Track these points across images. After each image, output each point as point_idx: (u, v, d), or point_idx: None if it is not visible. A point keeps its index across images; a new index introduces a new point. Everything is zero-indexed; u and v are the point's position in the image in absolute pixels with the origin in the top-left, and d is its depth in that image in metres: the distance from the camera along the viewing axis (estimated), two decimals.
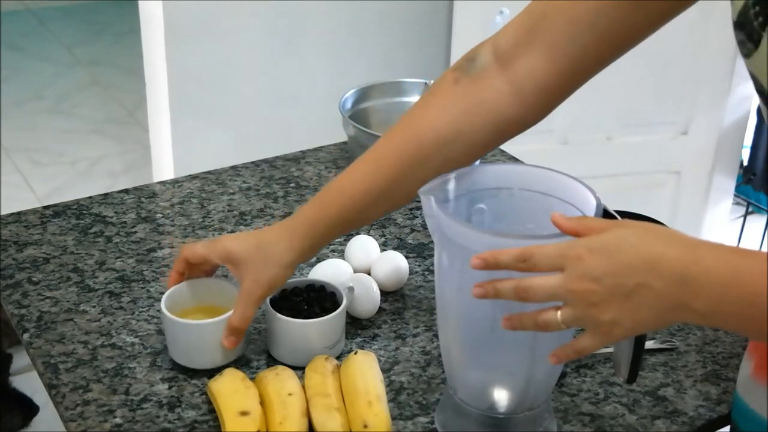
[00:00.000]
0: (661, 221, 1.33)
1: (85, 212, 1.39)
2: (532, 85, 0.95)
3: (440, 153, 0.99)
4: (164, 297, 1.07)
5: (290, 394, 0.99)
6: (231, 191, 1.46)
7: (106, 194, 1.44)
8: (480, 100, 0.98)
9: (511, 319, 0.84)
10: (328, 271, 1.19)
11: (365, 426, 0.95)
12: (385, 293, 1.21)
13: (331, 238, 1.07)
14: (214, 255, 1.07)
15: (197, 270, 1.11)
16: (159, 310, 1.17)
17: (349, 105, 1.52)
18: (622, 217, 0.90)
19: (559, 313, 0.80)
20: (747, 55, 0.82)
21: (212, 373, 1.06)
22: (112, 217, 1.38)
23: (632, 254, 0.77)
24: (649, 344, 1.13)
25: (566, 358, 0.85)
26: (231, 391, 1.00)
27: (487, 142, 1.00)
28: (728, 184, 2.74)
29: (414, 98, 1.57)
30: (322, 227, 1.05)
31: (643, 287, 0.76)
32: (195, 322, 1.06)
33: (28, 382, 2.25)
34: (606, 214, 0.90)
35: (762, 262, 0.74)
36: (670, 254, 0.76)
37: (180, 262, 1.09)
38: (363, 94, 1.55)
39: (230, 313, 1.05)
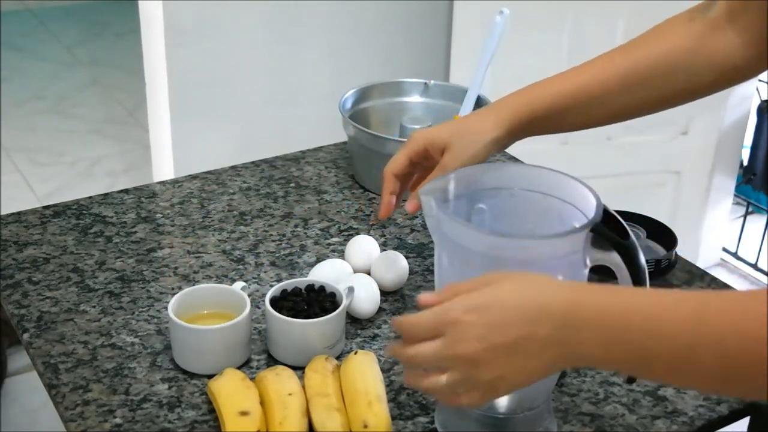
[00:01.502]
0: (661, 221, 1.33)
1: (85, 212, 1.39)
2: (758, 36, 1.00)
3: (664, 80, 1.03)
4: (171, 302, 1.08)
5: (290, 394, 0.99)
6: (231, 191, 1.46)
7: (106, 194, 1.44)
8: (712, 41, 1.02)
9: (406, 377, 0.83)
10: (328, 271, 1.19)
11: (365, 426, 0.95)
12: (385, 293, 1.21)
13: (530, 131, 1.07)
14: (413, 148, 1.07)
15: (406, 183, 1.12)
16: (160, 311, 1.17)
17: (349, 105, 1.52)
18: (622, 216, 0.90)
19: (445, 377, 0.78)
20: None
21: (210, 375, 1.06)
22: (112, 217, 1.38)
23: (510, 308, 0.75)
24: None
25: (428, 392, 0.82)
26: (231, 391, 1.00)
27: (710, 83, 1.05)
28: (728, 184, 2.74)
29: (414, 98, 1.57)
30: (527, 112, 1.05)
31: (526, 339, 0.74)
32: (202, 328, 1.06)
33: (28, 382, 2.25)
34: (606, 214, 0.90)
35: (649, 296, 0.73)
36: (551, 301, 0.74)
37: (388, 182, 1.10)
38: (363, 94, 1.55)
39: (237, 320, 1.05)
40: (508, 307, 0.75)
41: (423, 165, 1.11)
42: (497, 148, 1.07)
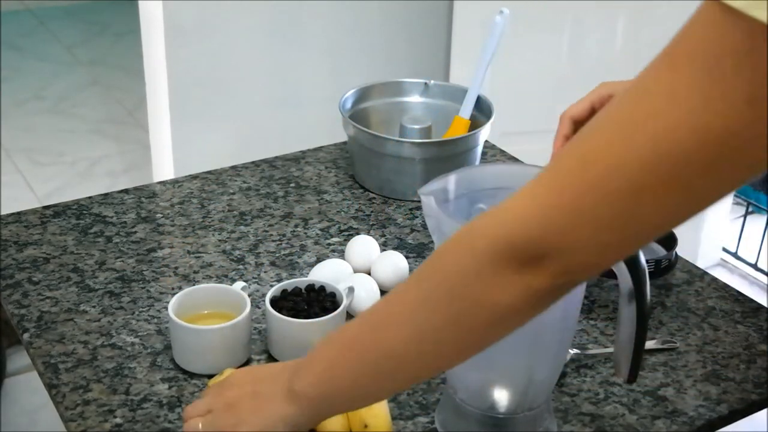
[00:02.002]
0: None
1: (85, 212, 1.39)
2: None
3: None
4: (171, 302, 1.07)
5: None
6: (231, 191, 1.46)
7: (106, 194, 1.44)
8: None
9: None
10: (328, 271, 1.19)
11: (365, 426, 0.95)
12: (385, 293, 1.20)
13: None
14: (599, 95, 1.05)
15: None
16: (160, 311, 1.17)
17: (349, 105, 1.52)
18: None
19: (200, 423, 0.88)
20: None
21: (210, 375, 1.06)
22: (112, 217, 1.38)
23: (237, 378, 0.89)
24: (649, 344, 1.13)
25: None
26: None
27: None
28: None
29: (414, 98, 1.58)
30: None
31: (252, 394, 0.86)
32: (202, 328, 1.06)
33: (28, 382, 2.25)
34: None
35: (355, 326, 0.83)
36: (271, 367, 0.90)
37: (564, 125, 1.07)
38: (363, 94, 1.55)
39: (237, 320, 1.05)
40: (235, 379, 0.90)
41: None
42: None
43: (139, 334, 1.13)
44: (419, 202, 0.92)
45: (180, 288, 1.20)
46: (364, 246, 1.26)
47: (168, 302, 1.09)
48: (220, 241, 1.33)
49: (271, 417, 0.84)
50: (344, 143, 1.59)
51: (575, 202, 0.64)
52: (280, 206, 1.43)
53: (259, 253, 1.30)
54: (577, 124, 1.07)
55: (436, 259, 0.75)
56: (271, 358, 1.10)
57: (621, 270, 0.88)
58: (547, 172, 0.67)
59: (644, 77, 0.62)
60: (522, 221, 0.67)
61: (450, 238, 0.74)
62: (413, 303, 0.76)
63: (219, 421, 0.86)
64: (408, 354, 0.77)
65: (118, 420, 1.00)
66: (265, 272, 1.26)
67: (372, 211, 1.42)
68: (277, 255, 1.30)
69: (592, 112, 1.06)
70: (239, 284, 1.14)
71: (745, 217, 2.91)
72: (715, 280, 1.29)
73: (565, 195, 0.65)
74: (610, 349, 1.10)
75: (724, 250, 2.90)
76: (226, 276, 1.25)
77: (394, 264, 1.22)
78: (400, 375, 0.80)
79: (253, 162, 1.55)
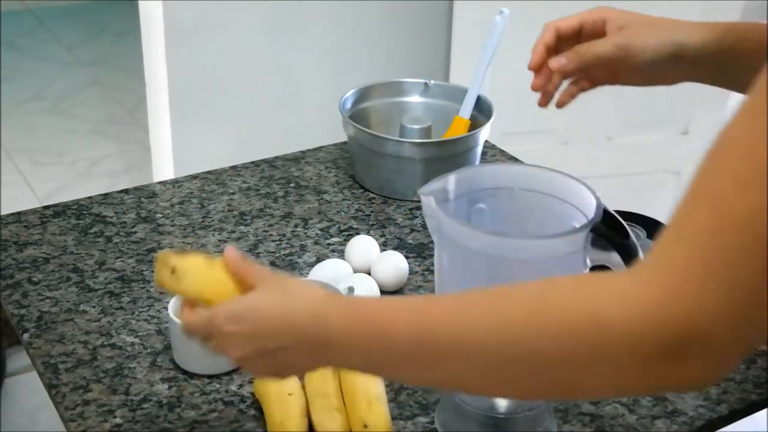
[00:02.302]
0: (661, 221, 1.33)
1: (85, 212, 1.39)
2: None
3: None
4: (171, 302, 1.07)
5: (290, 394, 0.99)
6: (231, 191, 1.46)
7: (106, 194, 1.44)
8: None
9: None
10: (328, 271, 1.19)
11: (365, 426, 0.95)
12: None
13: (720, 54, 0.99)
14: (590, 16, 1.02)
15: (559, 49, 1.04)
16: (160, 311, 1.17)
17: (349, 105, 1.52)
18: (622, 216, 0.90)
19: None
20: None
21: (210, 375, 1.06)
22: (112, 217, 1.38)
23: (262, 320, 0.78)
24: None
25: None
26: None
27: None
28: None
29: (414, 98, 1.57)
30: (725, 28, 0.98)
31: (279, 349, 0.78)
32: None
33: (28, 382, 2.25)
34: (606, 214, 0.90)
35: (382, 304, 0.75)
36: (296, 316, 0.77)
37: (547, 33, 1.03)
38: (363, 94, 1.55)
39: None
40: (261, 319, 0.78)
41: (590, 37, 1.04)
42: (678, 54, 0.97)
43: (139, 334, 1.13)
44: (419, 202, 0.92)
45: None
46: (364, 246, 1.26)
47: (168, 302, 1.09)
48: (220, 241, 1.33)
49: (302, 371, 0.83)
50: (344, 143, 1.59)
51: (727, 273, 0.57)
52: (280, 206, 1.43)
53: (259, 253, 1.30)
54: (561, 38, 1.04)
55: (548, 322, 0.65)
56: None
57: (621, 270, 0.87)
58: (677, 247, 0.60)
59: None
60: (661, 309, 0.59)
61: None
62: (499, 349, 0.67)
63: (223, 351, 0.81)
64: (464, 378, 0.71)
65: (118, 420, 1.00)
66: None
67: (372, 211, 1.42)
68: (277, 255, 1.30)
69: (579, 31, 1.02)
70: None
71: None
72: None
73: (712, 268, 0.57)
74: None
75: None
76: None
77: (394, 264, 1.22)
78: (423, 375, 0.74)
79: (253, 162, 1.55)
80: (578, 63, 0.99)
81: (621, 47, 0.92)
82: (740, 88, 0.99)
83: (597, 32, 1.03)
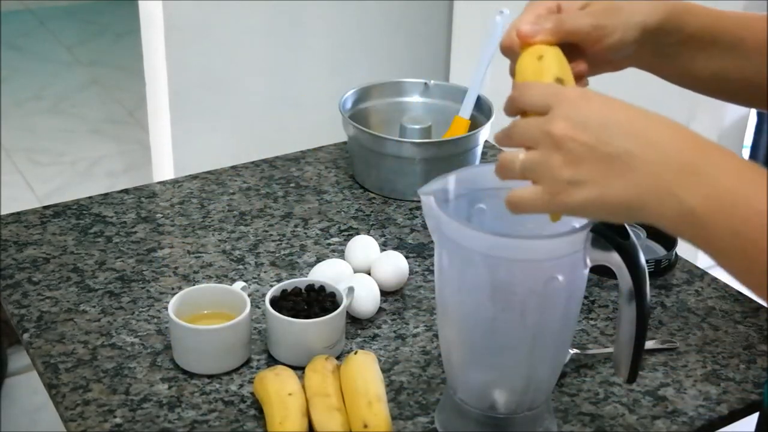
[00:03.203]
0: None
1: (85, 212, 1.39)
2: None
3: None
4: (171, 302, 1.08)
5: (290, 394, 0.99)
6: (231, 191, 1.46)
7: (106, 194, 1.44)
8: None
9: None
10: (328, 271, 1.19)
11: (365, 426, 0.95)
12: (385, 293, 1.21)
13: (678, 29, 0.90)
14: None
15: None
16: (160, 311, 1.17)
17: (349, 105, 1.52)
18: None
19: (522, 154, 0.72)
20: None
21: (210, 375, 1.06)
22: (112, 217, 1.38)
23: (634, 124, 0.68)
24: (649, 344, 1.13)
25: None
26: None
27: None
28: None
29: (414, 98, 1.57)
30: (684, 7, 0.90)
31: (632, 156, 0.67)
32: (202, 328, 1.06)
33: (28, 382, 2.25)
34: None
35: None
36: (674, 137, 0.67)
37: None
38: (363, 94, 1.55)
39: (237, 320, 1.05)
40: (633, 121, 0.68)
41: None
42: (641, 37, 0.89)
43: (139, 334, 1.13)
44: (419, 202, 0.92)
45: (180, 288, 1.20)
46: (364, 246, 1.26)
47: (168, 302, 1.09)
48: (220, 241, 1.33)
49: (614, 197, 0.68)
50: (344, 143, 1.59)
51: None
52: (280, 206, 1.43)
53: (259, 253, 1.30)
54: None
55: None
56: (271, 358, 1.10)
57: (621, 270, 0.88)
58: None
59: None
60: None
61: None
62: None
63: (548, 164, 0.70)
64: None
65: (118, 420, 1.00)
66: (265, 272, 1.26)
67: (372, 211, 1.42)
68: (277, 255, 1.30)
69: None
70: (239, 284, 1.14)
71: None
72: (715, 280, 1.29)
73: None
74: (610, 349, 1.10)
75: None
76: (226, 276, 1.25)
77: (394, 264, 1.22)
78: None
79: (253, 162, 1.55)
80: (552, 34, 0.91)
81: (596, 27, 0.88)
82: (676, 76, 0.97)
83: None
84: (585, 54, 0.87)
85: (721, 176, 0.66)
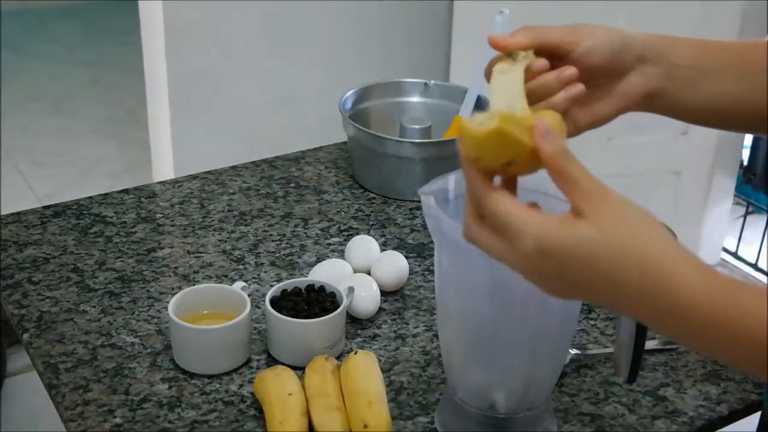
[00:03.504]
0: (661, 221, 1.33)
1: (85, 212, 1.39)
2: None
3: None
4: (171, 302, 1.08)
5: (290, 394, 0.99)
6: (231, 191, 1.46)
7: (106, 194, 1.44)
8: None
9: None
10: (328, 271, 1.19)
11: (365, 426, 0.95)
12: (385, 293, 1.21)
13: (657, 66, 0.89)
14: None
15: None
16: (160, 311, 1.17)
17: (349, 105, 1.52)
18: None
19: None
20: None
21: (210, 375, 1.06)
22: (112, 217, 1.38)
23: (585, 263, 0.68)
24: (649, 344, 1.13)
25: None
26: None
27: None
28: (728, 184, 2.74)
29: (414, 98, 1.58)
30: (664, 44, 0.90)
31: (589, 290, 0.70)
32: (202, 328, 1.06)
33: (28, 382, 2.25)
34: None
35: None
36: (645, 285, 0.68)
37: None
38: (363, 94, 1.55)
39: (237, 320, 1.05)
40: (592, 268, 0.68)
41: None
42: (622, 48, 0.90)
43: (139, 334, 1.13)
44: (419, 202, 0.92)
45: (180, 288, 1.20)
46: (364, 246, 1.26)
47: (168, 302, 1.09)
48: (220, 241, 1.33)
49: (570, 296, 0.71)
50: (344, 143, 1.59)
51: None
52: (280, 206, 1.43)
53: (259, 253, 1.30)
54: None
55: None
56: (271, 358, 1.10)
57: None
58: None
59: None
60: None
61: None
62: None
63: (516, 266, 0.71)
64: None
65: (118, 420, 1.00)
66: (265, 272, 1.26)
67: (372, 211, 1.42)
68: (277, 255, 1.30)
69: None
70: (239, 284, 1.14)
71: (745, 217, 2.91)
72: None
73: None
74: (610, 349, 1.09)
75: (724, 250, 2.90)
76: (226, 276, 1.25)
77: (394, 264, 1.22)
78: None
79: (253, 162, 1.55)
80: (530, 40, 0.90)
81: (571, 31, 0.89)
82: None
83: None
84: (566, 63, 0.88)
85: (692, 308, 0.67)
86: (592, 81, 0.88)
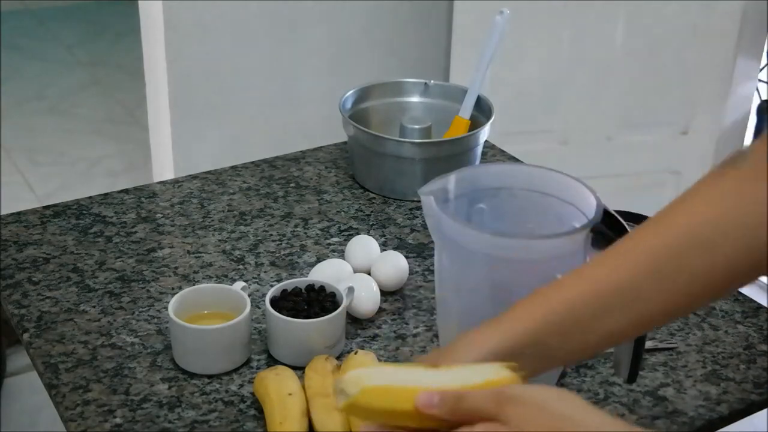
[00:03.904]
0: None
1: (85, 212, 1.39)
2: None
3: (698, 259, 0.77)
4: (171, 302, 1.07)
5: (290, 394, 0.99)
6: (231, 191, 1.46)
7: (106, 194, 1.44)
8: (754, 197, 0.76)
9: None
10: (328, 271, 1.19)
11: None
12: (385, 293, 1.21)
13: (540, 347, 0.80)
14: None
15: None
16: (160, 311, 1.17)
17: (349, 105, 1.52)
18: (622, 216, 0.90)
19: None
20: None
21: (210, 375, 1.06)
22: (112, 217, 1.38)
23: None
24: (649, 344, 1.13)
25: None
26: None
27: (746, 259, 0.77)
28: None
29: (414, 98, 1.57)
30: (539, 322, 0.79)
31: None
32: (202, 328, 1.06)
33: (28, 382, 2.25)
34: (606, 214, 0.90)
35: None
36: None
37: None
38: (363, 94, 1.55)
39: (237, 320, 1.05)
40: None
41: None
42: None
43: (139, 334, 1.13)
44: (419, 202, 0.92)
45: (180, 288, 1.20)
46: (364, 246, 1.26)
47: (168, 302, 1.09)
48: (220, 241, 1.33)
49: None
50: (344, 143, 1.59)
51: None
52: (280, 206, 1.43)
53: (259, 253, 1.30)
54: None
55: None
56: (271, 358, 1.10)
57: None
58: None
59: None
60: None
61: None
62: None
63: None
64: None
65: (118, 420, 1.00)
66: (265, 272, 1.26)
67: (372, 211, 1.42)
68: (277, 255, 1.30)
69: None
70: (239, 284, 1.14)
71: None
72: None
73: None
74: (610, 349, 1.09)
75: None
76: (226, 276, 1.25)
77: (394, 264, 1.22)
78: None
79: (253, 162, 1.55)
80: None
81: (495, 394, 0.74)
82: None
83: None
84: None
85: None
86: None
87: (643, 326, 0.81)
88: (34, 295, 1.20)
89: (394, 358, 1.11)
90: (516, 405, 0.66)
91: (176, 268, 1.26)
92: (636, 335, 0.88)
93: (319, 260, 1.27)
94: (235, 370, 1.08)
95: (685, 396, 1.07)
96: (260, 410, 1.01)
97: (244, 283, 1.15)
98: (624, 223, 0.89)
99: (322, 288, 1.13)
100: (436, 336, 1.14)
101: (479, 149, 1.47)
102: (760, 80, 2.79)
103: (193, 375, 1.07)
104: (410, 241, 1.35)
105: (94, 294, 1.21)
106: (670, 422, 1.03)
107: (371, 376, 0.70)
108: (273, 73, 2.43)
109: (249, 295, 1.10)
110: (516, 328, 0.78)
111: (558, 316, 0.78)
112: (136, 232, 1.35)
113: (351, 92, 1.53)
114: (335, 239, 1.34)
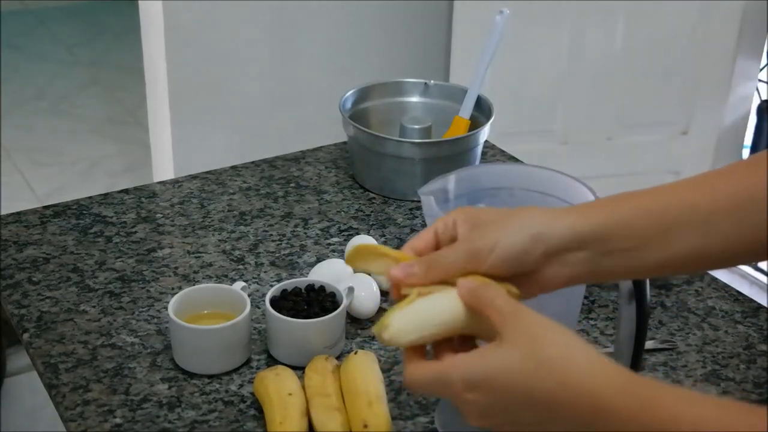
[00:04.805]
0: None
1: (85, 212, 1.39)
2: None
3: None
4: (171, 302, 1.08)
5: (290, 394, 0.99)
6: (231, 191, 1.46)
7: (106, 194, 1.44)
8: None
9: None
10: (328, 271, 1.19)
11: (365, 426, 0.95)
12: (385, 293, 1.21)
13: (600, 248, 0.78)
14: (443, 221, 0.84)
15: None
16: (160, 311, 1.17)
17: (349, 105, 1.52)
18: None
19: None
20: None
21: (210, 375, 1.06)
22: (112, 217, 1.38)
23: (518, 398, 0.68)
24: (649, 344, 1.13)
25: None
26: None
27: None
28: None
29: (414, 98, 1.58)
30: (602, 220, 0.79)
31: (537, 422, 0.69)
32: (202, 328, 1.06)
33: (28, 382, 2.25)
34: None
35: (674, 393, 0.66)
36: (570, 403, 0.67)
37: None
38: (363, 94, 1.55)
39: (237, 320, 1.05)
40: (515, 394, 0.68)
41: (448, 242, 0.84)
42: (538, 247, 0.78)
43: (139, 334, 1.13)
44: (419, 202, 0.92)
45: (180, 288, 1.20)
46: None
47: (168, 302, 1.09)
48: (220, 241, 1.33)
49: None
50: (344, 143, 1.59)
51: None
52: (280, 206, 1.43)
53: (259, 253, 1.30)
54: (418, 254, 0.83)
55: None
56: (271, 358, 1.10)
57: None
58: None
59: None
60: None
61: None
62: None
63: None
64: None
65: (118, 420, 1.00)
66: (265, 272, 1.26)
67: (372, 211, 1.42)
68: (277, 255, 1.30)
69: (436, 241, 0.84)
70: (239, 284, 1.14)
71: None
72: (715, 280, 1.29)
73: None
74: (610, 349, 1.09)
75: None
76: (226, 276, 1.25)
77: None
78: None
79: (253, 162, 1.55)
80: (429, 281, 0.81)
81: (470, 253, 0.78)
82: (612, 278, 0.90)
83: (452, 236, 0.83)
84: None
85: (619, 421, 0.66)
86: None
87: (703, 260, 0.79)
88: (34, 295, 1.20)
89: (394, 358, 1.11)
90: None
91: (176, 268, 1.26)
92: (691, 270, 0.91)
93: (319, 260, 1.27)
94: (235, 370, 1.08)
95: None
96: (260, 410, 1.01)
97: (244, 283, 1.15)
98: None
99: (322, 288, 1.13)
100: None
101: (479, 149, 1.47)
102: (760, 80, 2.79)
103: (193, 375, 1.07)
104: None
105: (94, 294, 1.21)
106: None
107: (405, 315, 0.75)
108: (273, 73, 2.43)
109: (249, 295, 1.10)
110: (589, 214, 0.78)
111: (630, 219, 0.78)
112: (136, 232, 1.35)
113: (351, 92, 1.53)
114: (335, 239, 1.34)
